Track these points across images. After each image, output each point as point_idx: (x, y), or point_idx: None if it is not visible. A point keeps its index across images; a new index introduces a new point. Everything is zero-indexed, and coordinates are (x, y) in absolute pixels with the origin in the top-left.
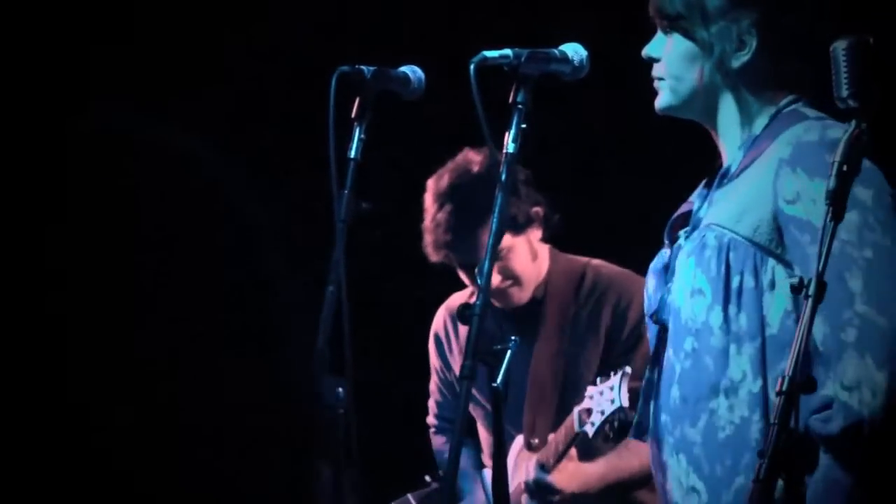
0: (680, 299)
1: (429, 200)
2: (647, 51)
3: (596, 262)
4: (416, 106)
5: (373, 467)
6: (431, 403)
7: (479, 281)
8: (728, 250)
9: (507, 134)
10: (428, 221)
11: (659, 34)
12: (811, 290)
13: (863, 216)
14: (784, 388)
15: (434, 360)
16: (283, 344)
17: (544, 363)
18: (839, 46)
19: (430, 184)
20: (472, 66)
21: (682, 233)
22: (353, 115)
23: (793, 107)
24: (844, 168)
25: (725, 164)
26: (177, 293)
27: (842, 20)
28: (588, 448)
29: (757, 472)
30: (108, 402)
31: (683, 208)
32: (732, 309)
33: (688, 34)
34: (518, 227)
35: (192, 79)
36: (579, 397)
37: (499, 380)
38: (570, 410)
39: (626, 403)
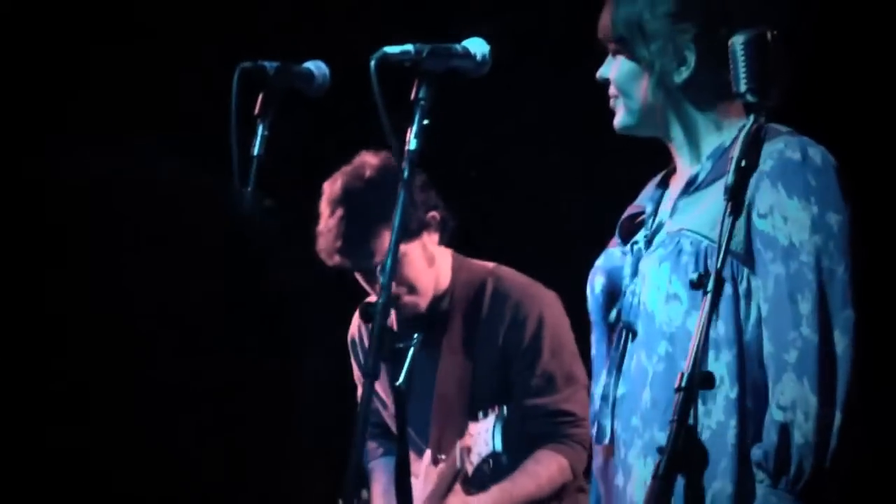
0: (653, 304)
1: (323, 204)
2: (600, 73)
3: (500, 270)
4: (322, 102)
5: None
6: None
7: (381, 280)
8: (706, 257)
9: (408, 131)
10: (321, 226)
11: (609, 57)
12: (709, 287)
13: (825, 242)
14: (683, 384)
15: (355, 367)
16: None
17: (449, 377)
18: (737, 41)
19: (325, 187)
20: (372, 63)
21: (640, 236)
22: (255, 112)
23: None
24: (743, 164)
25: (692, 173)
26: None
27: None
28: (482, 477)
29: (656, 470)
30: None
31: (631, 210)
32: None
33: (631, 54)
34: (410, 234)
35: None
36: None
37: (401, 379)
38: None
39: (499, 448)
